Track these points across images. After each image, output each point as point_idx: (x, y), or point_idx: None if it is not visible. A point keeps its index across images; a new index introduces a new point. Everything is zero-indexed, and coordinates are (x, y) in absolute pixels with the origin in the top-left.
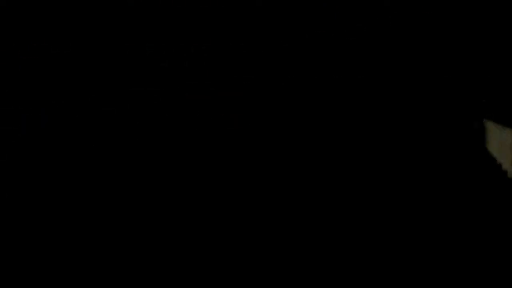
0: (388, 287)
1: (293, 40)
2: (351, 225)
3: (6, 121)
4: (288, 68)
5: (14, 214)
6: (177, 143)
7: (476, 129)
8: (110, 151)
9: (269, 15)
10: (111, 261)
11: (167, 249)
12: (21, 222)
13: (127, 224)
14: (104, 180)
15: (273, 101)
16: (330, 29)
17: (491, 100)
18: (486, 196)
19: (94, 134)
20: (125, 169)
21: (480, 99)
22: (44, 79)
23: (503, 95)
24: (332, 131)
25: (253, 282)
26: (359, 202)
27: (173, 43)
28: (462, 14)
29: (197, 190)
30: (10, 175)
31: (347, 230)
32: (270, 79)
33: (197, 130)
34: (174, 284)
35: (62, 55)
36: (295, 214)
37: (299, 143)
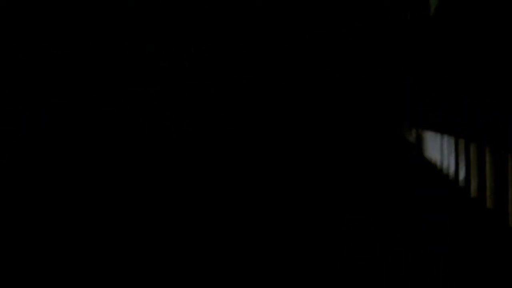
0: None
1: (293, 40)
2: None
3: (6, 121)
4: (288, 68)
5: (14, 213)
6: (177, 142)
7: (415, 139)
8: (110, 150)
9: (269, 15)
10: (110, 258)
11: (166, 244)
12: (22, 220)
13: (127, 222)
14: (104, 179)
15: (272, 101)
16: (330, 29)
17: (431, 112)
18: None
19: (94, 134)
20: (125, 168)
21: (419, 113)
22: (44, 79)
23: (444, 107)
24: (329, 130)
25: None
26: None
27: (173, 43)
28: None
29: (197, 187)
30: (10, 174)
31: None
32: (270, 79)
33: (197, 129)
34: (173, 282)
35: (62, 55)
36: (292, 210)
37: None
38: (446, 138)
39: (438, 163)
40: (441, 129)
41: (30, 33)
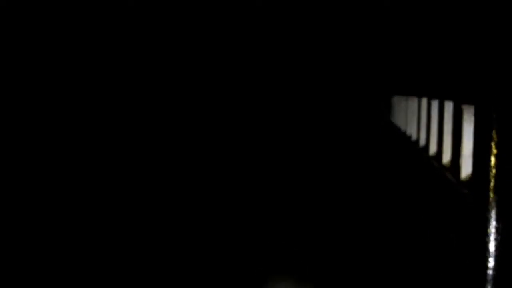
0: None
1: (293, 40)
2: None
3: (6, 121)
4: (288, 68)
5: (14, 212)
6: (177, 142)
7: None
8: (109, 150)
9: (269, 15)
10: (110, 258)
11: (166, 244)
12: (21, 220)
13: (126, 222)
14: (104, 179)
15: (272, 101)
16: (329, 29)
17: (396, 76)
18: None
19: (94, 134)
20: (124, 168)
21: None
22: (44, 79)
23: (407, 70)
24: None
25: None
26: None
27: (173, 43)
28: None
29: (196, 187)
30: (10, 174)
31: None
32: (270, 79)
33: (197, 129)
34: (173, 282)
35: (62, 55)
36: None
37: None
38: (409, 101)
39: (402, 127)
40: (406, 92)
41: (30, 33)
